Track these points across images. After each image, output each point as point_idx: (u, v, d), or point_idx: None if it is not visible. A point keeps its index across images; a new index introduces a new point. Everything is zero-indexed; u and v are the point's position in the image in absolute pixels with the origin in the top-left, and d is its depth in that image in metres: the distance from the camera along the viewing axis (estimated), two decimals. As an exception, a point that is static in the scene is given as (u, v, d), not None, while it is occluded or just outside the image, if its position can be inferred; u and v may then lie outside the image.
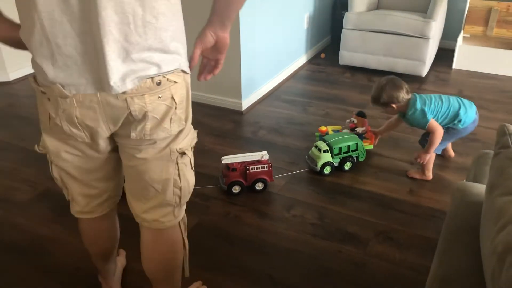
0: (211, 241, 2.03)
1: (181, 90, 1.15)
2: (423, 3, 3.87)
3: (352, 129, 2.73)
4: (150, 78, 1.06)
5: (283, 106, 3.34)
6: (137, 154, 1.20)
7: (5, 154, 2.73)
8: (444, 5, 3.79)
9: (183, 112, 1.18)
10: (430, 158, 2.42)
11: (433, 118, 2.32)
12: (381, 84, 2.34)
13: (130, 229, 1.90)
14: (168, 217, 1.33)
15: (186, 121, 1.21)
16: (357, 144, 2.52)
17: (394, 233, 2.06)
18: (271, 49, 3.48)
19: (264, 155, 2.34)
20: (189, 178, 1.31)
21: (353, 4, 3.82)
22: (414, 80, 3.74)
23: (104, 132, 1.15)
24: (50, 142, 1.23)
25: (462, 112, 2.34)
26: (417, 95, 2.37)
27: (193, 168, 1.33)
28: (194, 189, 2.32)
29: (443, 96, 2.39)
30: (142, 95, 1.07)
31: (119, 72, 1.02)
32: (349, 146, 2.51)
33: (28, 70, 3.86)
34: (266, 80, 3.50)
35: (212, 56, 1.24)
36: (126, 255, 1.93)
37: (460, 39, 4.03)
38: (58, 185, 1.35)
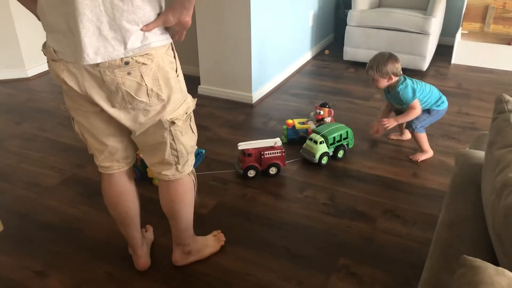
0: (230, 219, 2.19)
1: (152, 70, 1.32)
2: (423, 1, 4.05)
3: (319, 120, 2.85)
4: (119, 58, 1.26)
5: (291, 99, 3.51)
6: (134, 122, 1.43)
7: (31, 144, 2.89)
8: (443, 2, 3.97)
9: (161, 90, 1.37)
10: (423, 137, 2.64)
11: (419, 97, 2.54)
12: (385, 56, 2.51)
13: (154, 209, 2.06)
14: (172, 171, 1.61)
15: (168, 97, 1.40)
16: (347, 132, 2.67)
17: (400, 211, 2.22)
18: (279, 46, 3.65)
19: (277, 141, 2.50)
20: (185, 142, 1.54)
21: (356, 2, 3.99)
22: (415, 74, 3.91)
23: (96, 95, 1.35)
24: (66, 100, 1.49)
25: (441, 94, 2.61)
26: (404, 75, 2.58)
27: (195, 132, 1.60)
28: (213, 174, 2.51)
29: (420, 81, 2.63)
30: (113, 70, 1.28)
31: (92, 47, 1.23)
32: (341, 134, 2.65)
33: (45, 67, 4.02)
34: (274, 75, 3.67)
35: (174, 27, 1.37)
36: (154, 231, 2.09)
37: (458, 35, 4.20)
38: (81, 139, 1.59)
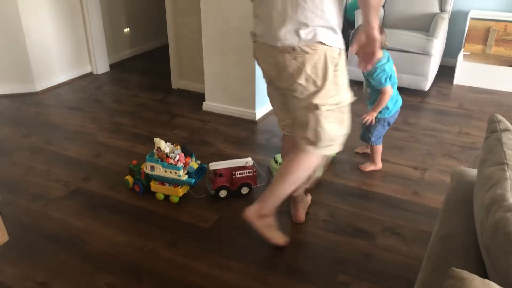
0: (231, 233, 2.21)
1: (314, 60, 1.65)
2: (426, 23, 4.11)
3: None
4: (290, 45, 1.63)
5: (294, 116, 3.55)
6: (290, 100, 1.82)
7: (38, 157, 2.94)
8: (445, 24, 4.03)
9: (318, 77, 1.69)
10: (379, 149, 2.71)
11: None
12: None
13: (158, 223, 2.08)
14: (310, 146, 1.87)
15: (322, 85, 1.71)
16: None
17: (399, 229, 2.24)
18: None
19: (248, 161, 2.51)
20: (326, 127, 1.81)
21: (359, 23, 4.07)
22: (417, 94, 3.96)
23: (270, 72, 1.80)
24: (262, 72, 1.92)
25: (390, 103, 2.59)
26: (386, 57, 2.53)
27: (345, 124, 1.87)
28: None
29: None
30: (284, 53, 1.67)
31: (277, 34, 1.64)
32: None
33: (53, 82, 4.11)
34: (278, 93, 3.73)
35: (367, 49, 1.67)
36: (156, 245, 2.12)
37: (460, 57, 4.26)
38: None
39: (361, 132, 2.75)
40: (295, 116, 1.88)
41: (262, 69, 1.86)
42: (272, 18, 1.63)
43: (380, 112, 2.60)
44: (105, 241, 2.15)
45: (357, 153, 2.95)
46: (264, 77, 1.94)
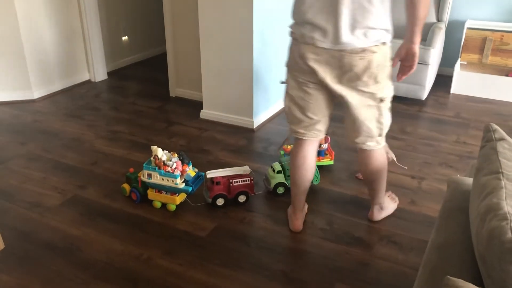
0: (229, 242, 2.21)
1: (378, 58, 1.81)
2: (423, 32, 4.13)
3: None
4: (360, 47, 1.76)
5: (291, 125, 3.56)
6: (351, 97, 1.89)
7: (35, 164, 2.94)
8: (442, 34, 4.06)
9: (378, 73, 1.84)
10: None
11: None
12: None
13: (154, 231, 2.08)
14: (373, 142, 2.04)
15: (381, 79, 1.86)
16: None
17: (396, 237, 2.24)
18: (281, 72, 3.73)
19: (245, 169, 2.51)
20: (385, 115, 1.98)
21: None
22: (414, 103, 3.97)
23: (323, 74, 1.85)
24: (289, 76, 2.00)
25: None
26: None
27: (389, 111, 2.01)
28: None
29: None
30: (351, 54, 1.78)
31: (346, 37, 1.75)
32: None
33: (51, 89, 4.11)
34: (275, 101, 3.73)
35: (406, 63, 1.94)
36: (153, 253, 2.11)
37: (457, 66, 4.28)
38: (285, 111, 2.09)
39: None
40: (355, 114, 1.94)
41: (314, 70, 1.86)
42: (339, 25, 1.74)
43: None
44: (101, 249, 2.15)
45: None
46: (296, 80, 1.95)
